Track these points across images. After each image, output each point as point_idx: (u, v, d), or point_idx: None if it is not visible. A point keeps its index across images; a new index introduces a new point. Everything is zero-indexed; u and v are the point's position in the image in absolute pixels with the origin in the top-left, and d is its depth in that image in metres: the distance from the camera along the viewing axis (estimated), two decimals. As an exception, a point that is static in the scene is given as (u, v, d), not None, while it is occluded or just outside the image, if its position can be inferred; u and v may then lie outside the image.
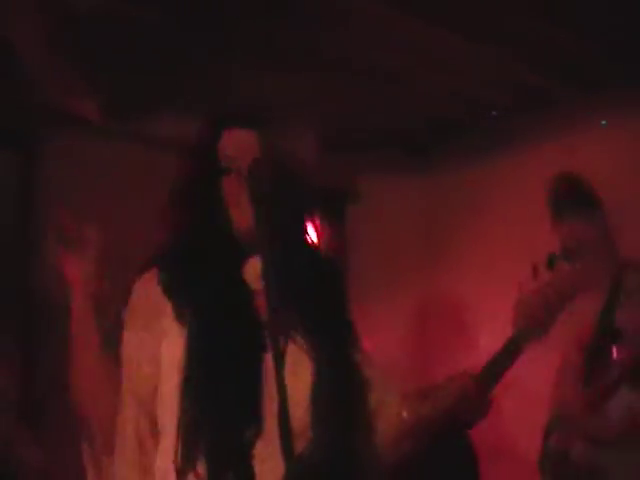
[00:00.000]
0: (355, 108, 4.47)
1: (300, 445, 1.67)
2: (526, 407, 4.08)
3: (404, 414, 1.87)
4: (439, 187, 5.16)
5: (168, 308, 1.79)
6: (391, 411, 1.88)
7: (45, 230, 4.37)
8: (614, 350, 3.18)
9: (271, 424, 1.63)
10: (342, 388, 1.77)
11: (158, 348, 1.79)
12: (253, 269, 1.80)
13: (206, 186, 1.85)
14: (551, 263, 2.10)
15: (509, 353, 2.03)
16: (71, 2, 3.22)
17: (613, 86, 4.20)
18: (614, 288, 3.32)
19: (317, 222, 4.44)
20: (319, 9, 3.41)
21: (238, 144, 1.87)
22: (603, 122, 4.39)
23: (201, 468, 1.67)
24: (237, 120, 1.91)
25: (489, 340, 4.67)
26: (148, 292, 1.83)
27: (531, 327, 2.03)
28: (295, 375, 1.71)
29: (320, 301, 1.85)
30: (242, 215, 1.80)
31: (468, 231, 4.95)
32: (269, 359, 1.66)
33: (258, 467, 1.66)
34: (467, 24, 3.59)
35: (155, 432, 1.81)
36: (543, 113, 4.50)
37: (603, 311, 3.31)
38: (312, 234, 4.36)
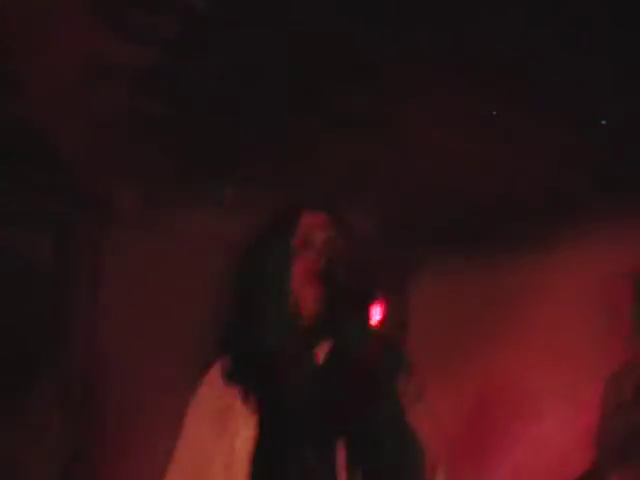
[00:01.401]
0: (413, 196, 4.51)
1: None
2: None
3: None
4: (498, 265, 5.15)
5: (237, 402, 1.76)
6: None
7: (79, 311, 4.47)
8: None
9: None
10: None
11: (223, 448, 1.74)
12: (320, 351, 1.80)
13: (279, 266, 1.84)
14: None
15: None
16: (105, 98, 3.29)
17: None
18: None
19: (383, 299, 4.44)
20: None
21: (314, 224, 1.89)
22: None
23: None
24: (314, 204, 1.94)
25: (548, 424, 4.64)
26: (215, 385, 1.80)
27: (615, 459, 1.94)
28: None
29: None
30: (310, 296, 1.80)
31: (529, 312, 4.91)
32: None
33: None
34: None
35: None
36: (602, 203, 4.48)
37: None
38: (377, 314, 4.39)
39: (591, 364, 4.28)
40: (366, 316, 1.92)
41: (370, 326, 1.93)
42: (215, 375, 1.81)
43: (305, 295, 1.82)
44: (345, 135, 3.86)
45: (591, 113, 3.45)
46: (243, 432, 1.72)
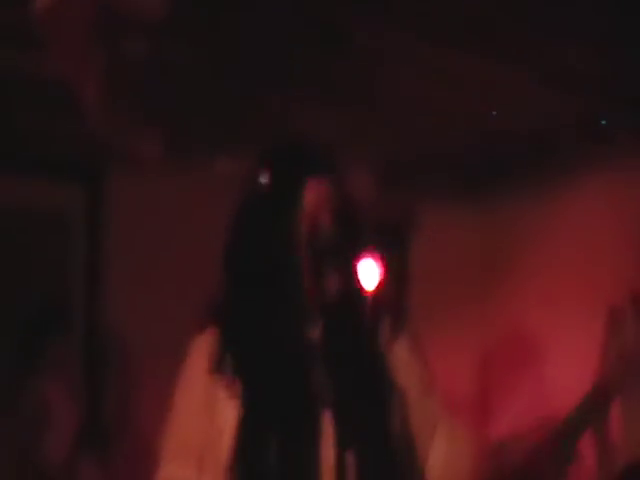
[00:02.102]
0: (411, 143, 4.49)
1: None
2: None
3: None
4: (495, 217, 5.15)
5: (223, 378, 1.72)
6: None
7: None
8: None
9: None
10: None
11: (209, 414, 1.72)
12: (317, 325, 1.76)
13: (285, 239, 1.75)
14: None
15: (594, 403, 1.91)
16: (131, 46, 3.29)
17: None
18: None
19: (380, 257, 4.44)
20: (370, 45, 3.44)
21: (319, 200, 1.77)
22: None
23: None
24: (316, 169, 1.80)
25: (551, 374, 4.67)
26: (202, 359, 1.75)
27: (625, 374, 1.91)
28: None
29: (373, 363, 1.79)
30: (316, 271, 1.73)
31: (527, 263, 4.92)
32: (326, 420, 1.65)
33: None
34: (526, 61, 3.58)
35: None
36: (602, 146, 4.46)
37: None
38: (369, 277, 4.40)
39: (593, 312, 4.30)
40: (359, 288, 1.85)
41: (365, 303, 1.86)
42: (203, 349, 1.76)
43: (311, 283, 1.74)
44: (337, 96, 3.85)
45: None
46: (227, 410, 1.70)
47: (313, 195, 1.77)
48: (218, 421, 1.70)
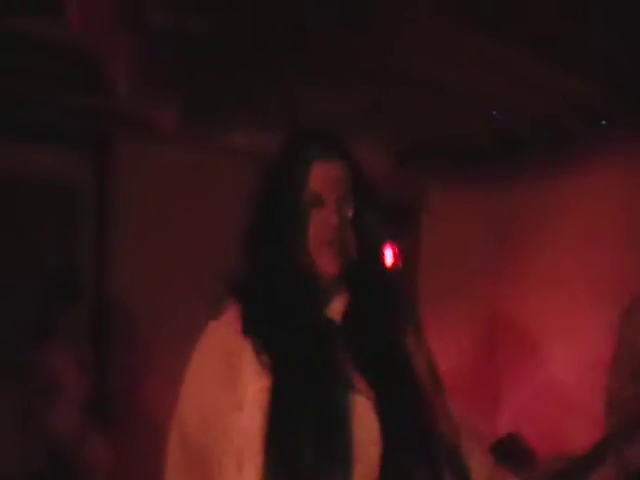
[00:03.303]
0: (424, 123, 4.47)
1: None
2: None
3: None
4: (503, 200, 5.13)
5: (248, 354, 1.71)
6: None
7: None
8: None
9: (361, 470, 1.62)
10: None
11: (233, 398, 1.70)
12: (335, 305, 1.76)
13: (294, 221, 1.75)
14: None
15: (601, 455, 1.87)
16: (149, 16, 3.28)
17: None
18: None
19: (393, 239, 4.44)
20: (385, 26, 3.41)
21: (327, 179, 1.78)
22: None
23: None
24: (325, 152, 1.80)
25: (556, 353, 4.67)
26: (225, 334, 1.75)
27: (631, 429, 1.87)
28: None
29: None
30: (327, 253, 1.74)
31: (537, 244, 4.91)
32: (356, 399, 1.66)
33: None
34: (534, 42, 3.55)
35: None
36: (608, 135, 4.43)
37: None
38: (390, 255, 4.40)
39: (601, 293, 4.29)
40: (381, 270, 1.86)
41: (386, 279, 1.86)
42: (225, 324, 1.75)
43: (321, 261, 1.75)
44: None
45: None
46: (255, 383, 1.69)
47: (320, 175, 1.78)
48: (246, 393, 1.69)
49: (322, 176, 1.78)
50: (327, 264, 1.74)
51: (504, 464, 3.37)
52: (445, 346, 2.25)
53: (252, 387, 1.69)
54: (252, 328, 1.72)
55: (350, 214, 1.77)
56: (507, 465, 3.46)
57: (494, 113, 4.43)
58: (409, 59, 3.74)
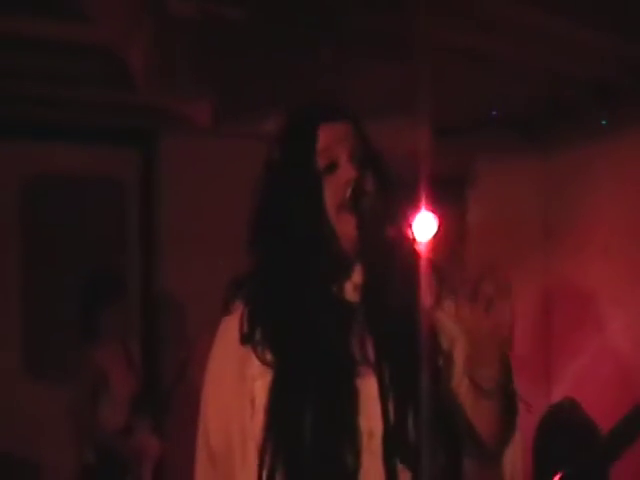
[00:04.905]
0: (469, 93, 4.40)
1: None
2: None
3: None
4: (555, 169, 5.04)
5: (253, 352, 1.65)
6: None
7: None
8: None
9: (367, 458, 1.56)
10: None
11: (244, 392, 1.65)
12: (354, 281, 1.66)
13: (308, 190, 1.65)
14: None
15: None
16: (174, 9, 3.26)
17: None
18: None
19: (436, 208, 4.39)
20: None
21: (334, 137, 1.68)
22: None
23: None
24: (330, 114, 1.71)
25: (612, 323, 4.58)
26: (233, 334, 1.68)
27: None
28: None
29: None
30: (346, 220, 1.63)
31: (584, 214, 4.81)
32: (363, 385, 1.58)
33: None
34: (580, 10, 3.47)
35: None
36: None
37: None
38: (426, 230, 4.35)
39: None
40: (400, 243, 1.71)
41: (411, 257, 1.72)
42: (232, 324, 1.69)
43: (340, 223, 1.64)
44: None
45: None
46: (261, 379, 1.63)
47: (327, 136, 1.68)
48: (251, 393, 1.64)
49: (329, 135, 1.69)
50: (346, 225, 1.63)
51: (560, 428, 3.34)
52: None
53: (258, 383, 1.64)
54: (252, 334, 1.66)
55: (368, 178, 1.66)
56: (563, 429, 3.44)
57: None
58: (448, 31, 3.69)
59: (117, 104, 4.32)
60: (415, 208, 1.76)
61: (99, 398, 3.86)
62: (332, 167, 1.67)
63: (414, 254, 1.73)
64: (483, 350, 1.59)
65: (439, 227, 4.43)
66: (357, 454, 1.58)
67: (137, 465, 3.94)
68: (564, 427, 3.60)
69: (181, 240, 4.48)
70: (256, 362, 1.64)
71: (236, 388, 1.66)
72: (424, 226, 4.26)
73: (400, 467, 1.54)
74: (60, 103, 4.24)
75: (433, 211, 4.35)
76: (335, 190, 1.66)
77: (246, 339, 1.66)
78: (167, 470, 4.15)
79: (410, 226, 1.74)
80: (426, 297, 1.69)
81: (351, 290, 1.66)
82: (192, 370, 4.41)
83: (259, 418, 1.62)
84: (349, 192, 1.63)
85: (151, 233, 4.60)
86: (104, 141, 4.54)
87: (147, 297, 4.56)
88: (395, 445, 1.55)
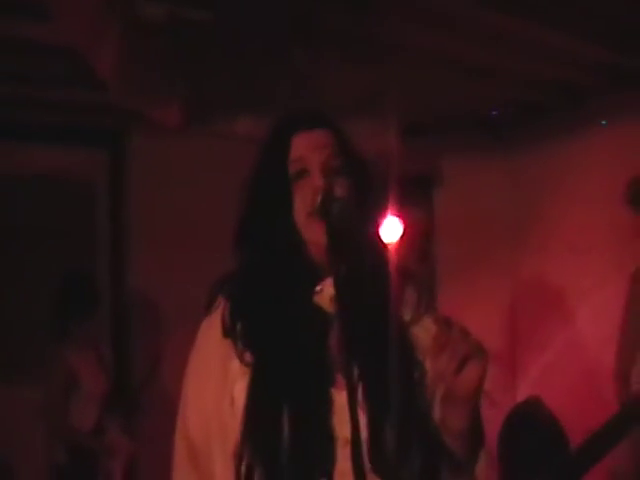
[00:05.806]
0: (435, 94, 4.44)
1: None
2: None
3: None
4: (521, 167, 5.10)
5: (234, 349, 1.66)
6: None
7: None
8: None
9: (343, 466, 1.55)
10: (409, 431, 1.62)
11: (225, 391, 1.65)
12: (327, 291, 1.65)
13: (277, 197, 1.67)
14: None
15: (616, 431, 1.82)
16: (143, 10, 3.26)
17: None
18: None
19: (402, 210, 4.41)
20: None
21: (308, 146, 1.70)
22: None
23: None
24: (307, 123, 1.73)
25: (578, 319, 4.64)
26: (215, 332, 1.69)
27: None
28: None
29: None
30: (316, 227, 1.63)
31: (550, 211, 4.88)
32: (338, 394, 1.58)
33: None
34: (542, 10, 3.52)
35: None
36: (622, 93, 4.37)
37: None
38: (388, 232, 4.36)
39: (617, 262, 4.26)
40: (375, 244, 1.73)
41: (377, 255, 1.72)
42: (215, 321, 1.70)
43: (309, 231, 1.66)
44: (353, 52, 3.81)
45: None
46: (241, 380, 1.64)
47: (302, 144, 1.71)
48: (231, 393, 1.65)
49: (303, 144, 1.71)
50: (315, 233, 1.64)
51: (525, 428, 3.39)
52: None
53: (237, 385, 1.65)
54: (233, 329, 1.67)
55: (341, 186, 1.66)
56: (529, 428, 3.49)
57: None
58: (416, 32, 3.73)
59: (86, 105, 4.31)
60: (384, 211, 1.75)
61: (70, 398, 3.87)
62: (303, 174, 1.69)
63: (387, 261, 1.73)
64: (454, 402, 1.58)
65: (405, 228, 4.44)
66: (331, 460, 1.59)
67: (108, 464, 3.95)
68: (528, 428, 3.63)
69: (151, 240, 4.48)
70: (236, 362, 1.66)
71: (217, 386, 1.67)
72: (390, 228, 4.27)
73: (373, 476, 1.56)
74: (28, 104, 4.23)
75: (399, 212, 4.36)
76: (304, 197, 1.67)
77: (228, 332, 1.68)
78: (138, 469, 4.16)
79: (380, 230, 1.75)
80: (399, 306, 1.71)
81: (327, 299, 1.66)
82: (162, 369, 4.44)
83: (238, 418, 1.63)
84: (319, 199, 1.64)
85: (121, 233, 4.60)
86: (73, 142, 4.52)
87: (117, 297, 4.56)
88: (369, 453, 1.57)
